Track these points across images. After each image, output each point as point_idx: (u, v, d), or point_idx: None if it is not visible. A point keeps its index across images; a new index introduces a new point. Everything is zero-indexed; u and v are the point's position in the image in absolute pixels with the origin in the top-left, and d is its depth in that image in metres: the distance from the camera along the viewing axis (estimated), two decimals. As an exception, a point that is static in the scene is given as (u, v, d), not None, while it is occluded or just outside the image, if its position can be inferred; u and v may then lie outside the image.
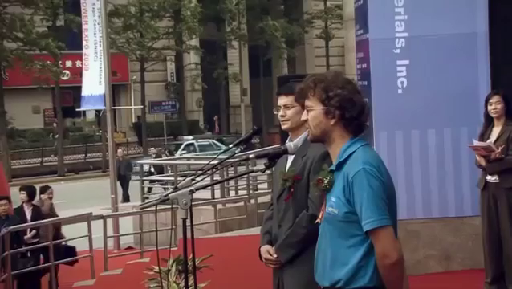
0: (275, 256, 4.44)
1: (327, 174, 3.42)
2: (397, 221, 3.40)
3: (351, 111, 3.35)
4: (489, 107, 6.85)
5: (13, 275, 10.49)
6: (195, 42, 41.30)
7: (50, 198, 12.66)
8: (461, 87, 7.80)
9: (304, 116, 3.46)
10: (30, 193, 11.89)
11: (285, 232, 4.40)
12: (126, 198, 24.84)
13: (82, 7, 21.48)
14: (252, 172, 4.34)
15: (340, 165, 3.36)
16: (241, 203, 16.08)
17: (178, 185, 3.90)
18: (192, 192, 3.71)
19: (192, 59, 41.94)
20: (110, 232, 13.82)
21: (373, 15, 7.82)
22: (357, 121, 3.39)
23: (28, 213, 11.61)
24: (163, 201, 3.90)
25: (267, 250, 4.50)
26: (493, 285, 6.96)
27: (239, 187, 17.37)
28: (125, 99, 43.43)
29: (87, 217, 12.42)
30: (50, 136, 39.66)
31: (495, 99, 6.83)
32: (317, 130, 3.41)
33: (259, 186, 18.08)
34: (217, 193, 16.41)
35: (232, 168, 16.96)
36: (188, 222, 3.76)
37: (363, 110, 3.40)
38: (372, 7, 7.79)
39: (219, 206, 15.65)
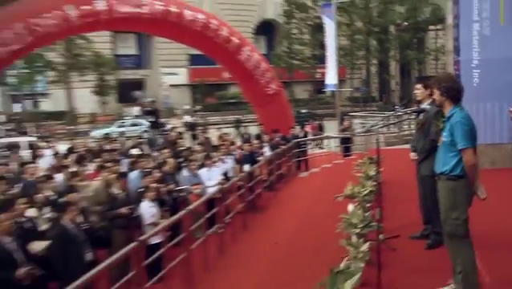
0: (416, 157, 7.22)
1: (442, 122, 5.58)
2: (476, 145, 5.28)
3: (452, 92, 5.39)
4: None
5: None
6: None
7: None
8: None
9: (436, 97, 5.47)
10: None
11: (420, 146, 7.16)
12: None
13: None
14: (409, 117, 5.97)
15: (448, 119, 5.40)
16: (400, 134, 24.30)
17: (370, 128, 7.11)
18: (381, 127, 6.22)
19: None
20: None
21: (463, 48, 11.43)
22: (455, 97, 5.39)
23: None
24: (368, 131, 8.26)
25: (412, 155, 7.42)
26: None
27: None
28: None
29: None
30: None
31: None
32: (439, 102, 5.48)
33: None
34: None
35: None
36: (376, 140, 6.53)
37: (459, 91, 5.43)
38: (462, 45, 11.46)
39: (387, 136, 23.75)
